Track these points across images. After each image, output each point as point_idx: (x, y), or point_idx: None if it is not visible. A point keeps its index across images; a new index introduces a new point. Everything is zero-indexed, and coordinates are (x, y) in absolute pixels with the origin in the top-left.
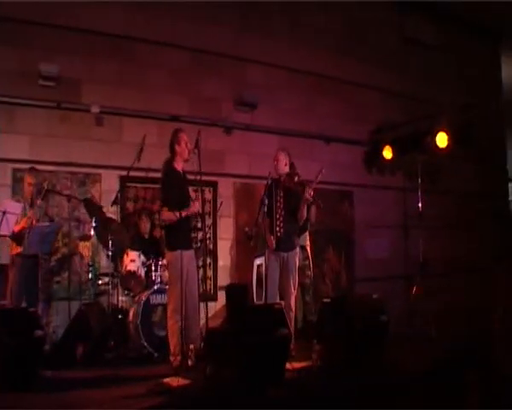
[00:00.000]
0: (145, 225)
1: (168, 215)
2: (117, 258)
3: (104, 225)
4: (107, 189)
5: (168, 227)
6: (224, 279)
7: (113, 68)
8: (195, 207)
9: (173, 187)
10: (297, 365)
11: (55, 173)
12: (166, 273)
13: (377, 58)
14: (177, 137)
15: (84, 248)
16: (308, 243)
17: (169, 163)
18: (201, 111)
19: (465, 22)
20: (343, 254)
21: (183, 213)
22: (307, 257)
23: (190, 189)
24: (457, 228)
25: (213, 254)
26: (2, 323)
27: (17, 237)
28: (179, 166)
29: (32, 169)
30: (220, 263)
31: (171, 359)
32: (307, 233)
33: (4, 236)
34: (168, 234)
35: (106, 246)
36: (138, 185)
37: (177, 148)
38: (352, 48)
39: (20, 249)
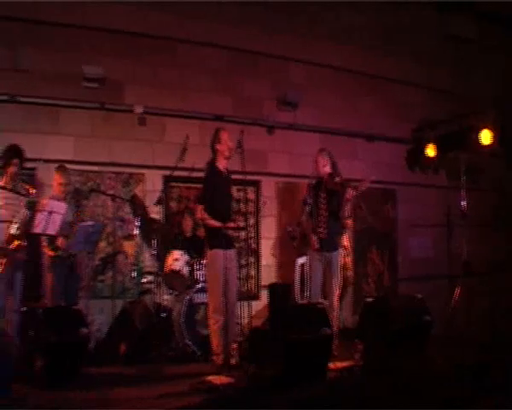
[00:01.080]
0: (188, 225)
1: (202, 215)
2: (161, 257)
3: (148, 224)
4: (150, 189)
5: (204, 226)
6: (266, 278)
7: (156, 69)
8: (230, 225)
9: (214, 188)
10: (339, 364)
11: (99, 173)
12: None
13: (420, 56)
14: (217, 136)
15: (129, 247)
16: (346, 242)
17: (211, 163)
18: (244, 110)
19: (508, 19)
20: (386, 253)
21: (217, 224)
22: (347, 256)
23: (234, 188)
24: (500, 227)
25: (256, 254)
26: (48, 321)
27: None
28: (222, 165)
29: (60, 167)
30: (263, 262)
31: (214, 358)
32: (345, 233)
33: (51, 235)
34: (209, 233)
35: (150, 245)
36: (181, 185)
37: (218, 147)
38: (395, 45)
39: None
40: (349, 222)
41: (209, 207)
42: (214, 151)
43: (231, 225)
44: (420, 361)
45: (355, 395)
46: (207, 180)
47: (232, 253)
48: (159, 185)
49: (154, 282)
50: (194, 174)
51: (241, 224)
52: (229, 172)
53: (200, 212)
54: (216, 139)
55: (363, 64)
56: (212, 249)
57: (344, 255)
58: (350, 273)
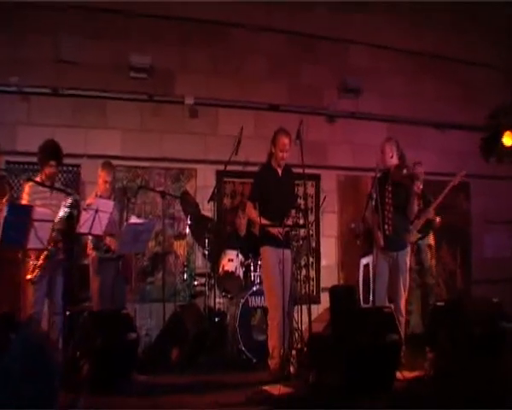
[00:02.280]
0: (242, 223)
1: (251, 213)
2: (213, 257)
3: (200, 222)
4: (202, 185)
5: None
6: (327, 280)
7: (208, 57)
8: (275, 230)
9: (264, 185)
10: (408, 374)
11: (147, 169)
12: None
13: (493, 35)
14: (275, 138)
15: (179, 247)
16: (432, 241)
17: (267, 160)
18: (301, 99)
19: None
20: (458, 252)
21: (266, 223)
22: (432, 257)
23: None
24: None
25: (316, 253)
26: (94, 325)
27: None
28: (277, 165)
29: (106, 164)
30: (323, 262)
31: (270, 362)
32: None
33: (97, 235)
34: (260, 231)
35: (202, 245)
36: (235, 180)
37: (272, 149)
38: (465, 24)
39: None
40: (437, 219)
41: (261, 205)
42: (270, 150)
43: (279, 230)
44: (497, 371)
45: (425, 408)
46: (257, 177)
47: (287, 252)
48: (211, 181)
49: (207, 284)
50: (249, 168)
51: (299, 221)
52: (288, 167)
53: (249, 209)
54: (273, 140)
55: (431, 44)
56: (263, 247)
57: (429, 257)
58: (432, 280)
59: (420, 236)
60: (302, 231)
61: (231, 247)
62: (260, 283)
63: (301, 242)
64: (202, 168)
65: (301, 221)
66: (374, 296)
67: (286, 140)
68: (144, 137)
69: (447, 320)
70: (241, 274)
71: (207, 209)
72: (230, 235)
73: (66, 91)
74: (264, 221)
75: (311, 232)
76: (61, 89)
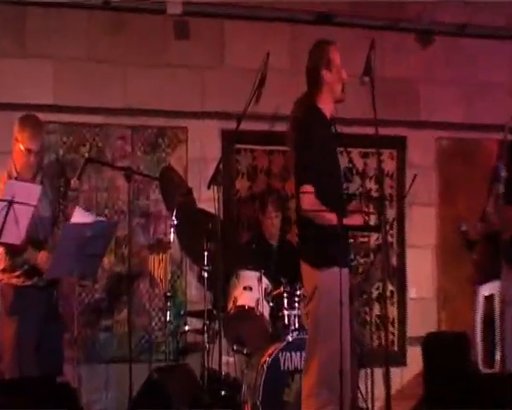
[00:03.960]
0: (272, 223)
1: (312, 204)
2: (218, 283)
3: (194, 222)
4: (197, 156)
5: (312, 224)
6: (419, 323)
7: None
8: (355, 219)
9: (323, 149)
10: None
11: (102, 129)
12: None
13: None
14: (324, 55)
15: (158, 265)
16: None
17: (311, 104)
18: (372, 5)
19: None
20: None
21: (337, 221)
22: None
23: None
24: None
25: (399, 276)
26: (10, 406)
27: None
28: (328, 109)
29: (27, 120)
30: (412, 293)
31: None
32: None
33: (12, 245)
34: (319, 237)
35: (197, 261)
36: (257, 148)
37: (325, 74)
38: None
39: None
40: None
41: (319, 191)
42: (316, 83)
43: (356, 220)
44: None
45: None
46: (308, 135)
47: (345, 272)
48: (213, 149)
49: (206, 331)
50: (278, 127)
51: (368, 220)
52: (335, 121)
53: (308, 198)
54: (322, 60)
55: None
56: (319, 267)
57: None
58: None
59: None
60: (373, 239)
61: (249, 265)
62: (300, 328)
63: (372, 257)
64: (198, 127)
65: (371, 220)
66: (504, 352)
67: (338, 51)
68: (95, 73)
69: None
70: (267, 313)
71: (207, 199)
72: (248, 244)
73: None
74: (331, 216)
75: (389, 240)
76: None
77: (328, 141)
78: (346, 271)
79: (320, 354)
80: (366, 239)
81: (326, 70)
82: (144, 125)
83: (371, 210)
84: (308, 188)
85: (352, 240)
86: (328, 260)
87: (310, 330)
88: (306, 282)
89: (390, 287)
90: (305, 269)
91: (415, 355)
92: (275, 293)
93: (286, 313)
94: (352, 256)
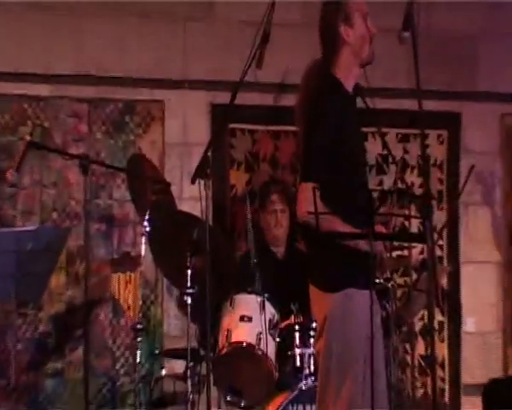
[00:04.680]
0: (276, 220)
1: (306, 204)
2: (206, 312)
3: (173, 229)
4: (177, 139)
5: (318, 234)
6: (477, 366)
7: None
8: (378, 247)
9: (339, 132)
10: None
11: (45, 102)
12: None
13: None
14: (343, 6)
15: (124, 287)
16: None
17: (326, 72)
18: None
19: None
20: None
21: (351, 230)
22: None
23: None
24: None
25: (451, 302)
26: None
27: None
28: (351, 77)
29: None
30: (468, 325)
31: None
32: None
33: None
34: (331, 250)
35: (178, 282)
36: (258, 128)
37: (344, 33)
38: None
39: None
40: None
41: (331, 190)
42: (333, 45)
43: (380, 229)
44: None
45: None
46: (328, 114)
47: (370, 297)
48: (200, 131)
49: (190, 375)
50: (286, 101)
51: (408, 226)
52: (361, 92)
53: (306, 202)
54: (338, 14)
55: None
56: (334, 289)
57: None
58: None
59: None
60: (416, 252)
61: (249, 287)
62: (315, 372)
63: (414, 276)
64: (178, 100)
65: (411, 226)
66: None
67: (364, 5)
68: (38, 27)
69: None
70: (273, 352)
71: (191, 198)
72: (246, 258)
73: None
74: (339, 224)
75: (437, 253)
76: None
77: (349, 121)
78: (367, 293)
79: (333, 409)
80: (406, 253)
81: (345, 26)
82: (106, 98)
83: (413, 213)
84: (307, 187)
85: (387, 254)
86: (342, 279)
87: (320, 375)
88: (315, 310)
89: (439, 317)
90: (314, 293)
91: (472, 408)
92: (283, 325)
93: (297, 351)
94: (388, 274)
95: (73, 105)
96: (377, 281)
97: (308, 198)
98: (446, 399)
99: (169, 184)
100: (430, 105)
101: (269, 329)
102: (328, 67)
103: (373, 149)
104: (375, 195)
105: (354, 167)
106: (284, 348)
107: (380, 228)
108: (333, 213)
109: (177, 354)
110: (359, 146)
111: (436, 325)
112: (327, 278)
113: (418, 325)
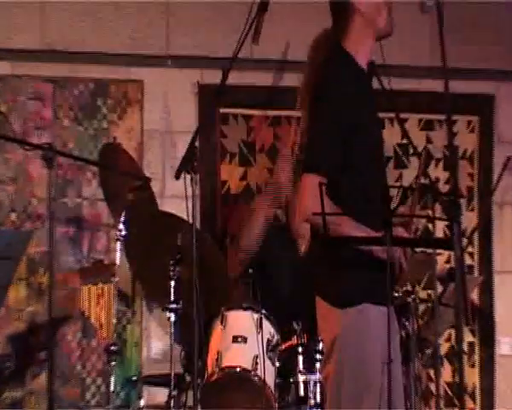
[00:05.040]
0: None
1: (311, 201)
2: (193, 331)
3: (154, 233)
4: (158, 126)
5: (326, 239)
6: None
7: None
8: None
9: (353, 123)
10: None
11: (5, 81)
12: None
13: None
14: None
15: (97, 301)
16: None
17: (336, 45)
18: None
19: None
20: None
21: (367, 234)
22: None
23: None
24: None
25: (483, 319)
26: None
27: None
28: (364, 52)
29: None
30: (503, 347)
31: None
32: None
33: None
34: (333, 255)
35: (159, 295)
36: (254, 112)
37: (359, 4)
38: None
39: None
40: None
41: (341, 186)
42: (344, 15)
43: (400, 233)
44: None
45: None
46: (336, 95)
47: (392, 316)
48: (185, 116)
49: (174, 406)
50: (289, 81)
51: (432, 229)
52: (376, 70)
53: (311, 199)
54: None
55: None
56: (346, 305)
57: None
58: None
59: None
60: (442, 260)
61: (244, 302)
62: (322, 402)
63: (440, 289)
64: (160, 80)
65: (436, 229)
66: None
67: None
68: None
69: None
70: (272, 379)
71: (174, 196)
72: (240, 265)
73: None
74: (351, 226)
75: (467, 262)
76: None
77: (363, 102)
78: (384, 310)
79: None
80: (430, 259)
81: None
82: (74, 78)
83: (437, 214)
84: (312, 179)
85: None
86: (354, 292)
87: (328, 406)
88: (323, 328)
89: (469, 337)
90: (322, 308)
91: None
92: (284, 347)
93: (301, 378)
94: (409, 287)
95: (36, 85)
96: (396, 294)
97: (313, 194)
98: None
99: (149, 180)
100: (458, 86)
101: (267, 351)
102: (339, 41)
103: (390, 137)
104: (393, 192)
105: (370, 159)
106: (285, 374)
107: (399, 232)
108: (343, 213)
109: (158, 380)
110: (376, 134)
111: (465, 348)
112: (337, 291)
113: (444, 348)
